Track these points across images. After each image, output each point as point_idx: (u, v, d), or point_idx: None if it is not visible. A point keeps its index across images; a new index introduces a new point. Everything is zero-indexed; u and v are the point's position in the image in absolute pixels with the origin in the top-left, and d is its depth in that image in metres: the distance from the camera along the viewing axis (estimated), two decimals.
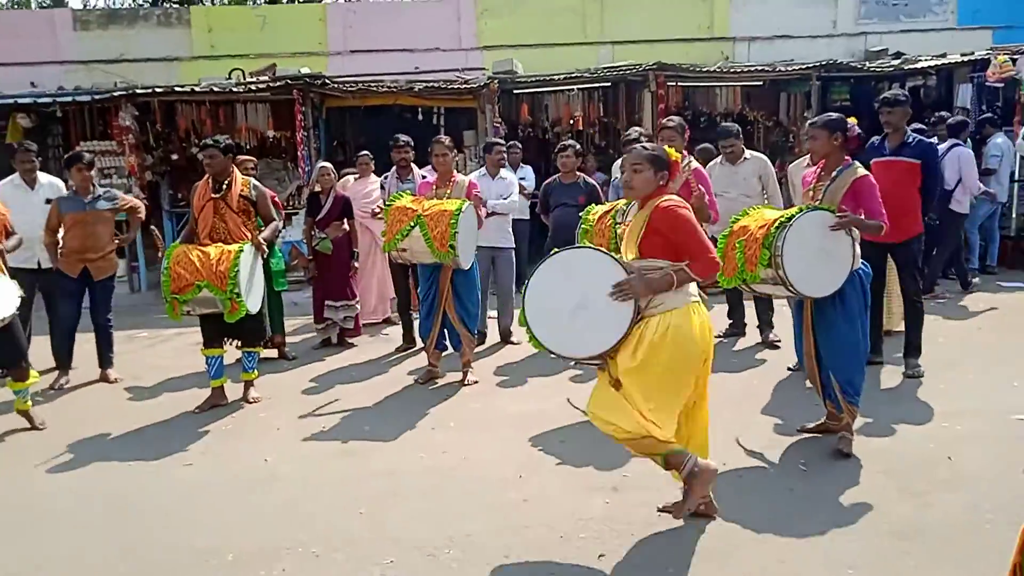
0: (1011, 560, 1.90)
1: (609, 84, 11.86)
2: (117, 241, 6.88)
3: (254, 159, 7.62)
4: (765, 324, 7.12)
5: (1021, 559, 1.89)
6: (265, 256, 6.05)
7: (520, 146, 10.32)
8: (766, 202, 6.58)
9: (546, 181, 7.55)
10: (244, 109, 11.26)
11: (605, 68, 11.95)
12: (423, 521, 3.95)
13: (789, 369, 6.21)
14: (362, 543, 3.77)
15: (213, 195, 5.81)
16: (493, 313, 7.69)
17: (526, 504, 4.11)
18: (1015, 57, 10.34)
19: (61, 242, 6.54)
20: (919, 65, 11.43)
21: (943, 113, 9.85)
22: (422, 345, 6.67)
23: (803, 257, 4.34)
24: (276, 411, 5.84)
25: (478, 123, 11.35)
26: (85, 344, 6.90)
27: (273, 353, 7.23)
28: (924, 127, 8.92)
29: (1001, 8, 13.78)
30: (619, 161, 7.23)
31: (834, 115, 4.79)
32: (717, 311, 6.83)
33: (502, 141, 8.20)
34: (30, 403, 5.69)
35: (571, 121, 11.72)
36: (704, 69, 11.65)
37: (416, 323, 6.89)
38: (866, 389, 4.74)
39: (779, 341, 6.89)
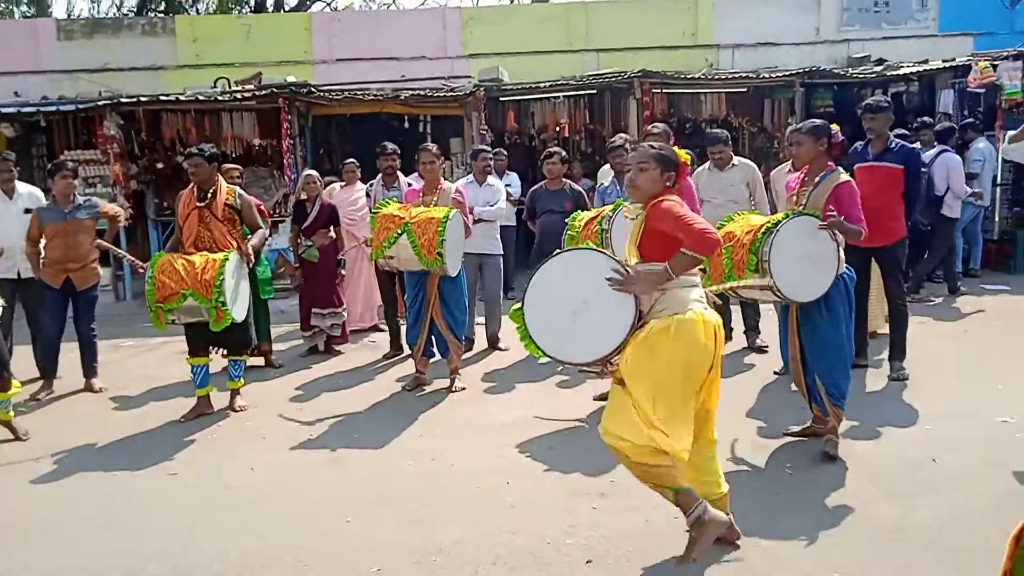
0: (1001, 567, 1.91)
1: (595, 91, 11.90)
2: (99, 242, 6.82)
3: (239, 168, 7.60)
4: (752, 329, 7.15)
5: (1011, 566, 1.90)
6: (252, 264, 6.03)
7: (505, 153, 10.35)
8: (753, 209, 6.61)
9: (532, 188, 7.57)
10: (230, 118, 11.24)
11: (590, 76, 12.00)
12: (410, 528, 3.94)
13: (775, 373, 6.24)
14: (349, 551, 3.75)
15: (198, 204, 5.79)
16: (481, 319, 7.69)
17: (514, 510, 4.11)
18: (995, 63, 10.45)
19: (43, 252, 6.51)
20: (901, 71, 11.54)
21: (925, 119, 9.94)
22: (409, 352, 6.67)
23: (790, 262, 4.37)
24: (263, 419, 5.82)
25: (464, 131, 11.39)
26: (69, 354, 6.85)
27: (260, 361, 7.20)
28: (907, 133, 9.03)
29: (981, 15, 13.92)
30: (605, 167, 7.28)
31: (819, 121, 4.84)
32: None
33: (489, 148, 8.22)
34: (12, 413, 5.64)
35: (557, 128, 11.76)
36: (689, 76, 11.73)
37: (403, 330, 6.88)
38: (851, 392, 4.77)
39: (766, 346, 6.92)
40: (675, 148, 3.60)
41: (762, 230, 4.42)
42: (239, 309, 5.66)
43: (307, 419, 5.76)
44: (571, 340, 3.48)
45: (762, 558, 3.50)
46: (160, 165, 11.45)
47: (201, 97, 10.96)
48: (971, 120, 10.27)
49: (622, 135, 7.92)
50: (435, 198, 6.28)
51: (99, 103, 10.88)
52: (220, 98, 11.03)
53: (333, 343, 7.78)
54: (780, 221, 4.43)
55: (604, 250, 3.54)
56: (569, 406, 5.78)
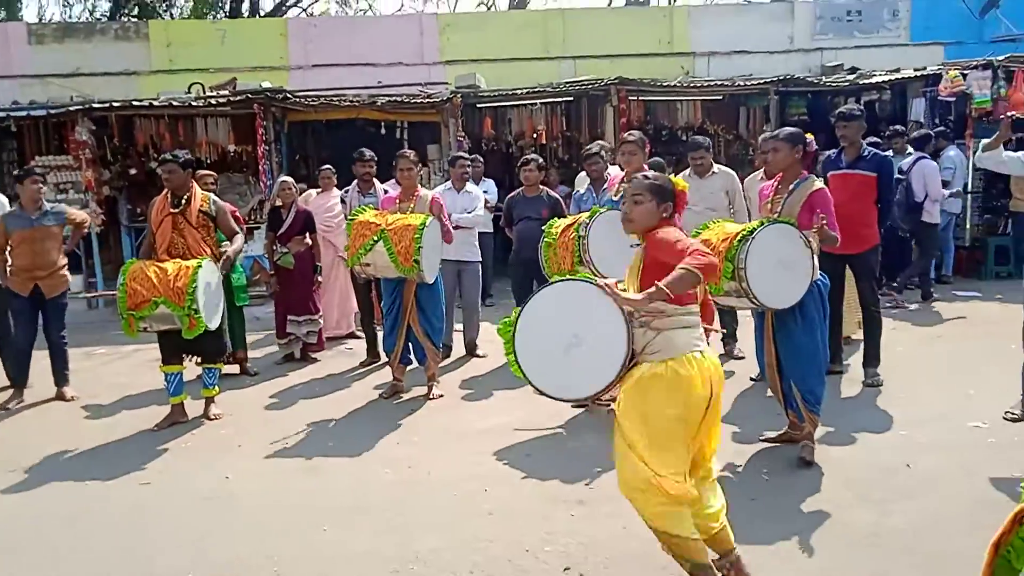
0: (981, 574, 1.92)
1: (571, 98, 11.94)
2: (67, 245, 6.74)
3: (214, 174, 7.54)
4: (729, 336, 7.18)
5: (990, 573, 1.92)
6: (229, 270, 5.98)
7: (482, 160, 10.35)
8: (731, 217, 6.64)
9: (510, 195, 7.57)
10: (204, 123, 11.15)
11: (567, 83, 12.04)
12: (387, 537, 3.92)
13: (752, 379, 6.28)
14: (325, 560, 3.72)
15: (172, 210, 5.73)
16: (459, 326, 7.68)
17: (491, 518, 4.09)
18: (965, 72, 10.61)
19: (9, 260, 6.41)
20: (873, 80, 11.68)
21: (897, 127, 10.09)
22: (386, 359, 6.64)
23: (765, 269, 4.40)
24: (238, 428, 5.76)
25: (441, 137, 11.37)
26: (42, 361, 6.75)
27: (235, 369, 7.14)
28: (879, 141, 9.15)
29: (952, 25, 14.14)
30: (581, 174, 7.28)
31: (795, 129, 4.89)
32: None
33: (467, 155, 8.21)
34: None
35: (534, 135, 11.78)
36: (665, 84, 11.80)
37: (380, 337, 6.85)
38: (827, 398, 4.81)
39: (743, 356, 6.94)
40: (671, 177, 3.47)
41: (738, 238, 4.44)
42: (212, 317, 5.61)
43: (283, 427, 5.70)
44: (562, 376, 3.33)
45: None
46: (133, 171, 11.31)
47: (175, 103, 10.86)
48: (942, 128, 10.43)
49: (599, 142, 7.95)
50: (412, 205, 6.26)
51: (71, 108, 10.74)
52: (194, 104, 10.94)
53: (309, 350, 7.73)
54: (756, 229, 4.45)
55: (597, 281, 3.28)
56: (547, 413, 5.77)
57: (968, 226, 10.92)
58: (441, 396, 6.28)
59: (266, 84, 11.28)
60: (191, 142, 10.88)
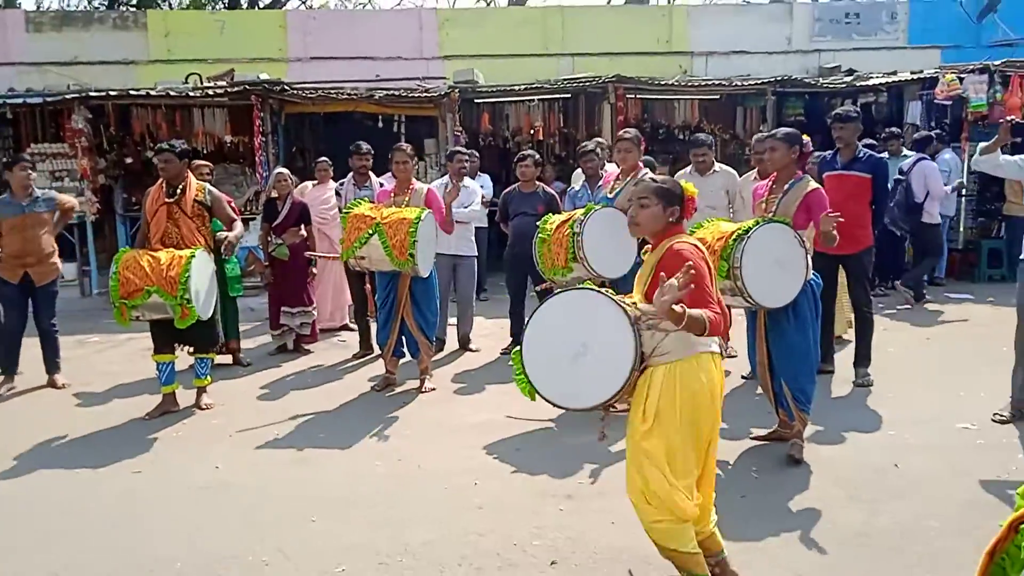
0: None
1: (569, 95, 11.94)
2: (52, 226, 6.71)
3: (210, 164, 7.54)
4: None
5: None
6: (231, 254, 5.97)
7: (477, 155, 10.35)
8: (730, 216, 6.65)
9: (506, 190, 7.58)
10: (201, 114, 11.13)
11: (565, 80, 12.04)
12: (377, 529, 3.92)
13: (743, 377, 6.30)
14: (313, 552, 3.72)
15: (167, 200, 5.73)
16: (453, 320, 7.68)
17: (481, 511, 4.10)
18: (962, 76, 10.64)
19: (0, 247, 6.39)
20: (870, 82, 11.70)
21: (893, 129, 10.13)
22: (379, 352, 6.64)
23: (760, 268, 4.41)
24: (229, 418, 5.76)
25: (439, 131, 11.36)
26: (33, 348, 6.74)
27: (228, 359, 7.14)
28: (875, 142, 9.18)
29: (949, 29, 14.17)
30: (577, 171, 7.28)
31: (792, 130, 4.90)
32: None
33: (465, 150, 8.20)
34: None
35: (531, 131, 11.78)
36: (662, 82, 11.80)
37: (373, 329, 6.85)
38: (817, 398, 4.83)
39: (735, 355, 6.95)
40: (680, 181, 3.38)
41: (733, 237, 4.46)
42: (205, 307, 5.60)
43: (274, 418, 5.71)
44: (571, 385, 3.25)
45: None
46: (129, 160, 11.30)
47: (172, 92, 10.83)
48: (937, 132, 10.45)
49: (597, 139, 7.96)
50: (407, 198, 6.26)
51: (67, 96, 10.72)
52: (192, 94, 10.91)
53: (302, 342, 7.73)
54: (751, 228, 4.46)
55: (605, 291, 3.22)
56: (538, 408, 5.75)
57: (961, 229, 10.95)
58: (433, 389, 6.29)
59: (264, 76, 11.25)
60: (188, 132, 10.86)
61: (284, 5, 21.96)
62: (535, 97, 11.80)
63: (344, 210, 6.25)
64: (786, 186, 4.76)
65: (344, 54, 13.63)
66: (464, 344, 7.64)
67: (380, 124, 11.35)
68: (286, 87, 11.01)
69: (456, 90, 11.15)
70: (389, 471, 4.70)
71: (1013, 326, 5.24)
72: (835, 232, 4.56)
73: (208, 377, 6.05)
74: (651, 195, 3.22)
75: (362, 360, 7.37)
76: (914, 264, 9.74)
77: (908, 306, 8.95)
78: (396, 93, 11.25)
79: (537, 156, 7.47)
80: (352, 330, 8.18)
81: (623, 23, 14.31)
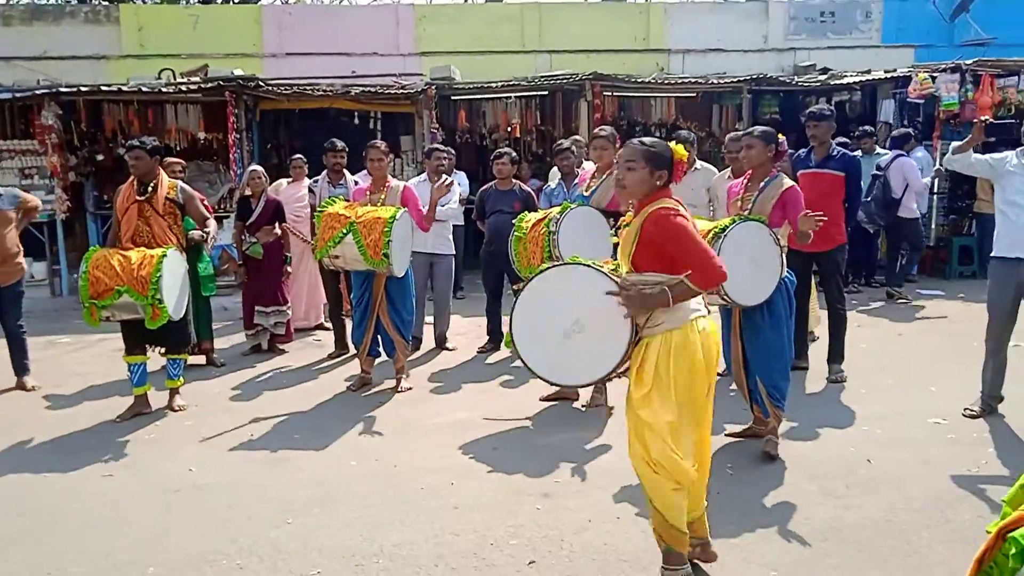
0: None
1: (546, 93, 11.94)
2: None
3: (182, 162, 7.45)
4: None
5: None
6: (214, 239, 5.90)
7: (453, 152, 10.33)
8: (711, 214, 6.66)
9: (482, 188, 7.56)
10: (175, 110, 11.01)
11: (542, 77, 12.02)
12: (352, 530, 3.90)
13: (718, 374, 6.30)
14: (288, 554, 3.69)
15: (138, 197, 5.66)
16: (429, 319, 7.65)
17: (457, 511, 4.09)
18: (934, 75, 10.75)
19: None
20: (845, 80, 11.79)
21: (867, 127, 10.23)
22: (355, 351, 6.60)
23: (736, 266, 4.40)
24: (202, 419, 5.69)
25: (415, 128, 11.32)
26: (1, 350, 6.64)
27: (201, 360, 7.06)
28: (848, 141, 9.26)
29: (922, 28, 14.32)
30: (555, 168, 7.27)
31: (768, 128, 4.93)
32: None
33: (443, 147, 8.16)
34: None
35: (508, 128, 11.77)
36: (639, 80, 11.82)
37: (349, 328, 6.81)
38: (791, 394, 4.86)
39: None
40: (671, 144, 3.29)
41: (710, 235, 4.47)
42: (177, 307, 5.53)
43: (248, 419, 5.65)
44: (565, 362, 3.24)
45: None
46: (100, 157, 11.14)
47: (145, 88, 10.70)
48: (910, 130, 10.56)
49: (574, 137, 7.96)
50: (383, 196, 6.22)
51: (37, 92, 10.55)
52: (164, 90, 10.79)
53: (277, 342, 7.67)
54: (728, 226, 4.47)
55: (593, 263, 3.21)
56: (515, 407, 5.78)
57: (933, 226, 11.07)
58: (410, 389, 6.26)
59: (238, 71, 11.14)
60: (160, 129, 10.74)
61: (259, 0, 21.78)
62: (512, 94, 11.79)
63: (319, 209, 6.19)
64: (761, 184, 4.79)
65: (320, 50, 13.52)
66: (440, 343, 7.62)
67: (356, 121, 11.29)
68: (260, 83, 10.92)
69: (433, 87, 11.11)
70: (365, 471, 4.67)
71: (983, 322, 5.31)
72: (810, 231, 4.59)
73: (181, 378, 5.98)
74: (639, 158, 3.17)
75: (337, 360, 7.33)
76: (888, 259, 9.84)
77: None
78: (372, 90, 11.19)
79: (514, 154, 7.47)
80: (327, 329, 8.13)
81: (600, 20, 14.31)
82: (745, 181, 4.92)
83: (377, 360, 6.42)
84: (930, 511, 3.94)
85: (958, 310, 8.71)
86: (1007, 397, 5.30)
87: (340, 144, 7.58)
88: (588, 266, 3.22)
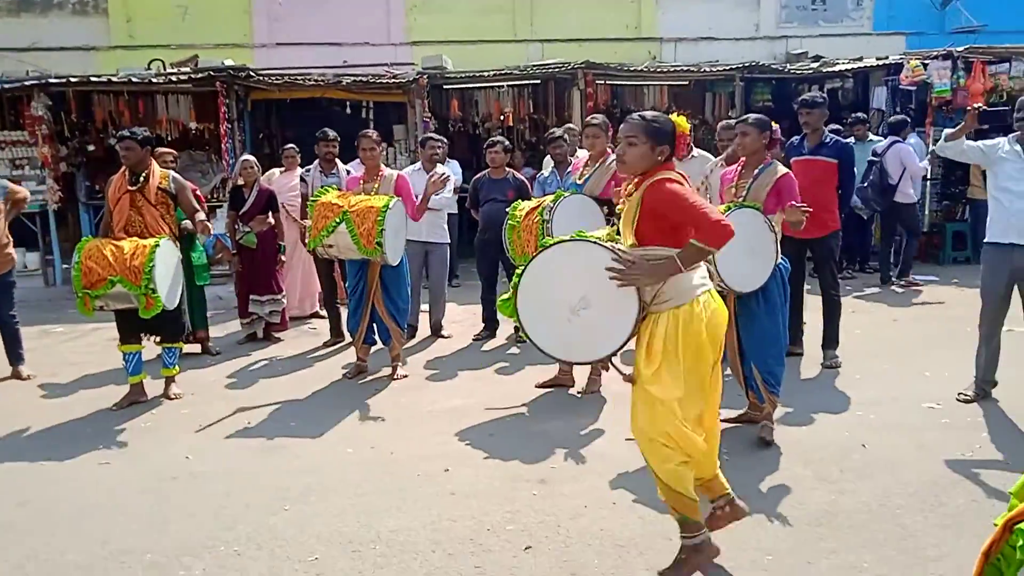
0: None
1: (539, 81, 11.92)
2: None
3: (174, 152, 7.42)
4: None
5: None
6: (210, 232, 5.89)
7: (446, 141, 10.31)
8: (707, 200, 6.66)
9: (476, 176, 7.55)
10: (165, 100, 10.95)
11: (535, 65, 12.00)
12: (349, 517, 3.91)
13: None
14: (286, 540, 3.70)
15: (130, 188, 5.64)
16: (424, 307, 7.65)
17: (453, 497, 4.10)
18: (926, 62, 10.77)
19: None
20: (837, 68, 11.80)
21: (859, 114, 10.25)
22: (350, 339, 6.60)
23: (732, 253, 4.41)
24: (198, 408, 5.69)
25: (408, 118, 11.29)
26: None
27: (196, 348, 7.05)
28: (841, 128, 9.28)
29: (914, 15, 14.35)
30: (548, 157, 7.26)
31: (762, 116, 4.93)
32: None
33: (438, 136, 8.14)
34: None
35: (501, 117, 11.75)
36: (632, 68, 11.81)
37: (344, 316, 6.81)
38: (786, 380, 4.89)
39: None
40: (672, 117, 3.24)
41: None
42: (170, 296, 5.52)
43: (244, 407, 5.65)
44: (572, 339, 3.22)
45: None
46: (92, 147, 11.09)
47: (135, 79, 10.63)
48: (905, 117, 10.58)
49: (568, 125, 7.95)
50: (376, 185, 6.21)
51: (26, 83, 10.48)
52: (154, 80, 10.72)
53: (272, 330, 7.66)
54: (723, 213, 4.47)
55: (597, 238, 3.18)
56: (511, 394, 5.79)
57: (927, 212, 11.11)
58: (405, 376, 6.27)
59: (229, 62, 11.07)
60: (151, 119, 10.71)
61: None
62: (504, 83, 11.75)
63: (311, 199, 6.17)
64: (755, 171, 4.80)
65: (311, 40, 13.48)
66: (436, 331, 7.62)
67: (348, 110, 11.25)
68: (251, 73, 10.86)
69: (425, 76, 11.08)
70: (361, 458, 4.68)
71: (977, 308, 5.33)
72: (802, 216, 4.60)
73: (176, 367, 5.97)
74: (639, 133, 3.12)
75: (333, 348, 7.33)
76: (882, 246, 9.87)
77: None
78: (364, 79, 11.14)
79: (506, 142, 7.45)
80: (322, 317, 8.13)
81: (592, 9, 14.29)
82: (739, 168, 4.93)
83: (373, 348, 6.42)
84: (924, 495, 3.96)
85: (952, 295, 8.76)
86: (1001, 382, 5.33)
87: (332, 134, 7.55)
88: (594, 242, 3.18)
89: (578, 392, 5.77)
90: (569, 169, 6.34)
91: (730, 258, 4.41)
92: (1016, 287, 5.16)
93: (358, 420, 5.37)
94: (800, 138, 6.36)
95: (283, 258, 7.69)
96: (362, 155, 6.29)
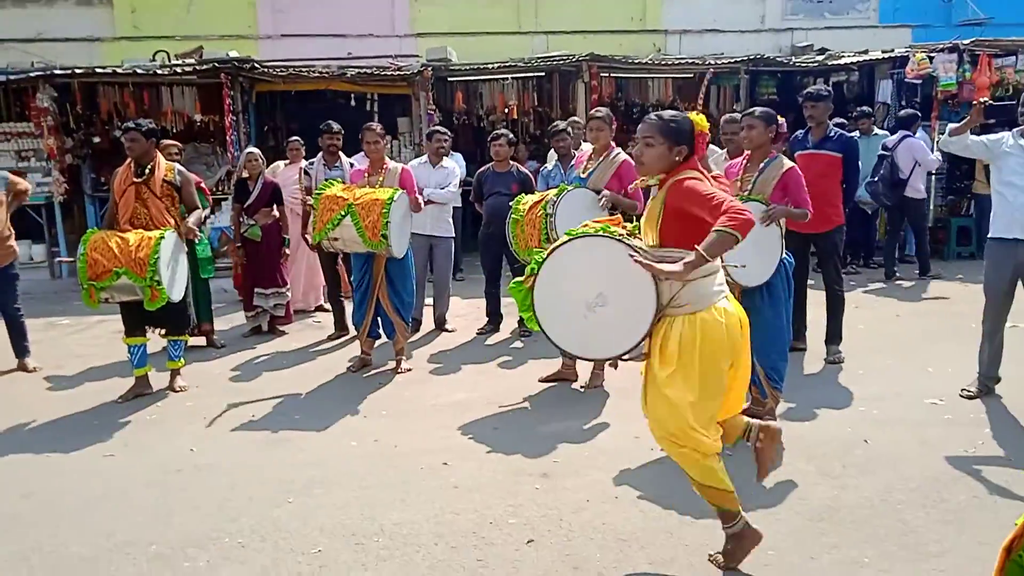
0: None
1: (543, 74, 11.89)
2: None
3: (179, 144, 7.42)
4: None
5: None
6: (193, 236, 5.90)
7: (450, 133, 10.31)
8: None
9: (480, 169, 7.55)
10: (170, 92, 10.94)
11: (539, 58, 11.98)
12: (352, 510, 3.93)
13: None
14: (289, 533, 3.72)
15: (135, 179, 5.65)
16: (429, 301, 7.66)
17: (456, 491, 4.12)
18: (932, 55, 10.72)
19: None
20: (842, 61, 11.76)
21: (864, 108, 10.22)
22: (355, 333, 6.61)
23: (738, 247, 4.43)
24: (203, 400, 5.72)
25: (412, 110, 11.27)
26: (1, 333, 6.64)
27: (201, 341, 7.08)
28: (845, 121, 9.25)
29: (920, 8, 14.30)
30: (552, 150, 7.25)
31: (768, 109, 4.92)
32: None
33: (443, 129, 8.14)
34: None
35: (505, 110, 11.73)
36: (636, 61, 11.78)
37: (348, 310, 6.82)
38: (789, 375, 4.90)
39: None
40: (691, 115, 3.19)
41: None
42: (176, 288, 5.54)
43: (249, 400, 5.68)
44: (588, 336, 3.21)
45: (698, 535, 3.57)
46: (97, 139, 11.09)
47: (139, 71, 10.64)
48: (916, 111, 10.55)
49: (573, 118, 7.94)
50: (381, 178, 6.21)
51: (31, 74, 10.49)
52: (159, 72, 10.72)
53: (277, 323, 7.68)
54: None
55: (620, 235, 3.14)
56: (514, 388, 5.80)
57: (931, 207, 11.08)
58: (409, 370, 6.29)
59: (233, 53, 11.07)
60: (156, 111, 10.68)
61: None
62: (509, 75, 11.73)
63: (316, 192, 6.17)
64: (761, 165, 4.80)
65: (315, 31, 13.46)
66: (440, 324, 7.64)
67: (353, 103, 11.24)
68: (256, 65, 10.85)
69: (429, 68, 11.06)
70: (365, 451, 4.70)
71: (980, 303, 5.32)
72: (801, 210, 4.61)
73: (181, 359, 5.99)
74: (656, 133, 3.09)
75: (337, 341, 7.34)
76: (887, 240, 9.84)
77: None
78: (368, 71, 11.14)
79: (511, 135, 7.45)
80: (327, 311, 8.14)
81: (597, 1, 14.25)
82: (744, 162, 4.93)
83: (377, 341, 6.44)
84: (926, 491, 3.97)
85: (956, 291, 8.74)
86: (1004, 378, 5.33)
87: (336, 126, 7.55)
88: (614, 238, 3.15)
89: (581, 387, 5.78)
90: (573, 163, 6.33)
91: (736, 251, 4.41)
92: (1020, 282, 5.16)
93: (362, 414, 5.39)
94: (804, 132, 6.35)
95: (287, 251, 7.70)
96: (366, 148, 6.29)
